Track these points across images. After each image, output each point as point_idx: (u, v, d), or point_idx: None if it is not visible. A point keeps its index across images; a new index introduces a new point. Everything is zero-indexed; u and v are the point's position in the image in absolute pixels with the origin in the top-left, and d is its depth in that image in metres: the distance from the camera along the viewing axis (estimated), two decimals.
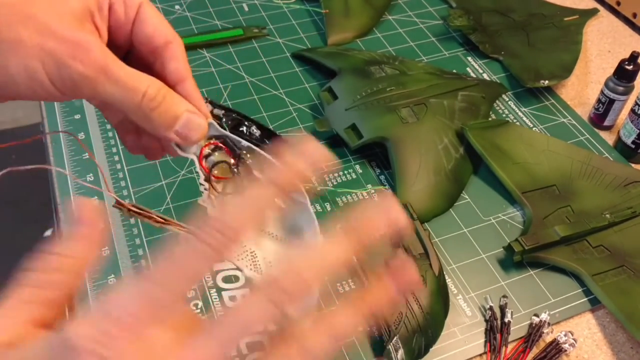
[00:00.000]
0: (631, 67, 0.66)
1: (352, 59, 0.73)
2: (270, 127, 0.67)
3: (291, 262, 0.22)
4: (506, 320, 0.51)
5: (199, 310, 0.51)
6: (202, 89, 0.71)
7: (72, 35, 0.30)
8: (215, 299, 0.52)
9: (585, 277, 0.54)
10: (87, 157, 0.62)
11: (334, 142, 0.66)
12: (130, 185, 0.60)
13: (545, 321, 0.51)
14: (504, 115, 0.72)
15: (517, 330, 0.51)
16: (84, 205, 0.24)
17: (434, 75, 0.71)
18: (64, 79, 0.31)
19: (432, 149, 0.62)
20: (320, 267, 0.22)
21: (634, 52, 0.66)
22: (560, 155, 0.64)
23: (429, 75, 0.71)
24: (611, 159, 0.67)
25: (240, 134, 0.39)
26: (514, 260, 0.55)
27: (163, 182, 0.60)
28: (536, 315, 0.51)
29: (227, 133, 0.37)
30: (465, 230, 0.59)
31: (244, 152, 0.35)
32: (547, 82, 0.73)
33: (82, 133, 0.65)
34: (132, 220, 0.56)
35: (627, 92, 0.68)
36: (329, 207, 0.60)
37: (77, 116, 0.67)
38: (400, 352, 0.47)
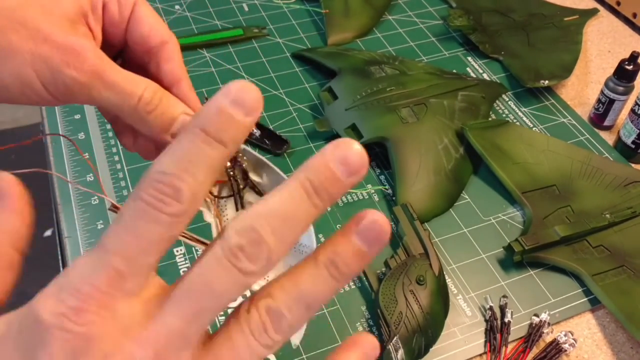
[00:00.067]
0: (631, 67, 0.66)
1: (352, 59, 0.73)
2: (271, 127, 0.67)
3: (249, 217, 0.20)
4: (506, 320, 0.51)
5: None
6: (202, 89, 0.71)
7: (65, 40, 0.30)
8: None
9: (585, 277, 0.54)
10: (88, 156, 0.62)
11: None
12: (130, 185, 0.60)
13: (545, 321, 0.51)
14: (504, 115, 0.72)
15: (517, 330, 0.51)
16: (1, 179, 0.23)
17: (434, 75, 0.71)
18: (58, 85, 0.30)
19: (432, 149, 0.62)
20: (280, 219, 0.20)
21: (634, 52, 0.66)
22: (560, 155, 0.64)
23: (429, 75, 0.71)
24: (611, 159, 0.67)
25: None
26: (514, 260, 0.55)
27: None
28: (536, 315, 0.51)
29: None
30: (465, 230, 0.59)
31: (240, 154, 0.35)
32: (547, 82, 0.73)
33: (82, 133, 0.65)
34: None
35: (627, 92, 0.68)
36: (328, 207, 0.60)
37: (77, 116, 0.67)
38: (400, 352, 0.47)
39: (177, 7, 0.84)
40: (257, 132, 0.65)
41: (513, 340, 0.51)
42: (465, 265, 0.56)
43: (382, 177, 0.63)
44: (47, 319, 0.18)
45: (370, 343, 0.23)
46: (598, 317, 0.54)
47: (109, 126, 0.65)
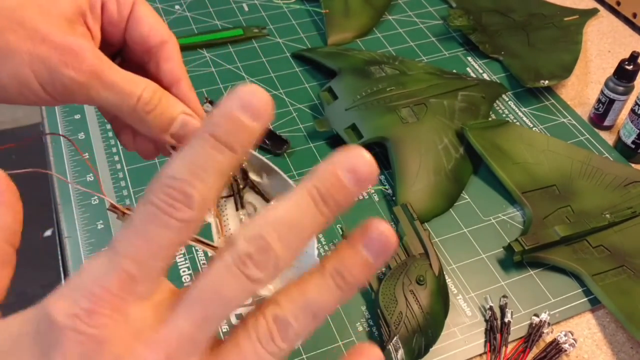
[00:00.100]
0: (631, 67, 0.66)
1: (352, 59, 0.73)
2: (271, 127, 0.67)
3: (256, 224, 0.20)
4: (506, 320, 0.51)
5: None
6: (202, 89, 0.71)
7: (63, 40, 0.30)
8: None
9: (585, 277, 0.54)
10: (87, 156, 0.62)
11: (334, 142, 0.66)
12: (130, 185, 0.60)
13: (545, 321, 0.51)
14: (504, 115, 0.72)
15: (517, 330, 0.51)
16: None
17: (434, 75, 0.71)
18: (56, 85, 0.30)
19: (432, 149, 0.62)
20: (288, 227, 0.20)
21: (634, 52, 0.66)
22: (560, 155, 0.64)
23: (429, 75, 0.71)
24: (611, 159, 0.67)
25: None
26: (514, 260, 0.55)
27: None
28: (536, 315, 0.51)
29: None
30: (465, 230, 0.59)
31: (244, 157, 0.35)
32: (547, 82, 0.73)
33: (82, 133, 0.65)
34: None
35: (627, 92, 0.68)
36: None
37: (77, 116, 0.67)
38: (400, 352, 0.47)
39: (177, 7, 0.84)
40: None
41: (513, 340, 0.51)
42: (465, 265, 0.56)
43: (382, 177, 0.63)
44: (61, 320, 0.19)
45: (375, 355, 0.23)
46: (598, 317, 0.54)
47: (109, 126, 0.65)
